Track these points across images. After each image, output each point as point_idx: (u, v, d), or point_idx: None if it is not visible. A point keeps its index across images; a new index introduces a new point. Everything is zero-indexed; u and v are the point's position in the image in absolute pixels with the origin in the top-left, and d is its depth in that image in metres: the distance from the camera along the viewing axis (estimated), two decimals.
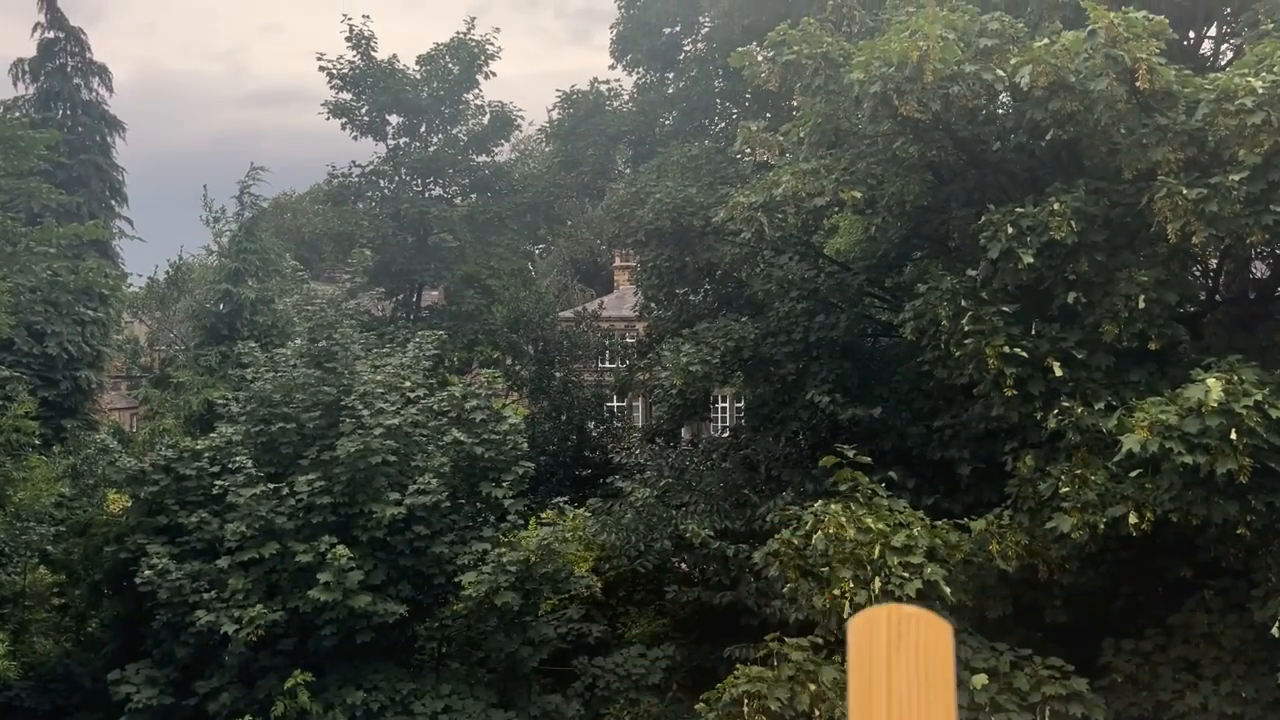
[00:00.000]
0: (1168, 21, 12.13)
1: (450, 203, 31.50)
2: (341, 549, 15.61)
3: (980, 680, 11.60)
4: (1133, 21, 11.82)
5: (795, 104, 16.93)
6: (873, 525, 11.71)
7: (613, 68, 29.99)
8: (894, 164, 14.56)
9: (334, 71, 30.10)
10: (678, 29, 28.63)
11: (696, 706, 12.94)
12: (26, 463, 18.35)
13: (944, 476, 16.03)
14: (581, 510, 17.99)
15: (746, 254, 19.29)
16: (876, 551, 11.40)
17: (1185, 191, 11.32)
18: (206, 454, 17.39)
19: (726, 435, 23.09)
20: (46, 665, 18.76)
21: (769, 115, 22.57)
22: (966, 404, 15.45)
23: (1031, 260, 12.42)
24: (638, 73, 29.71)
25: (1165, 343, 12.64)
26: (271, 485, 16.59)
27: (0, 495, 17.69)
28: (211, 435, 17.82)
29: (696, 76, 26.90)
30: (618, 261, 48.96)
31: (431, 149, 31.03)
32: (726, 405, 32.27)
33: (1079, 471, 11.97)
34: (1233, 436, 10.40)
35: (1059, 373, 12.46)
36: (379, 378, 17.91)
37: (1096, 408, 12.20)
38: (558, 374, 29.28)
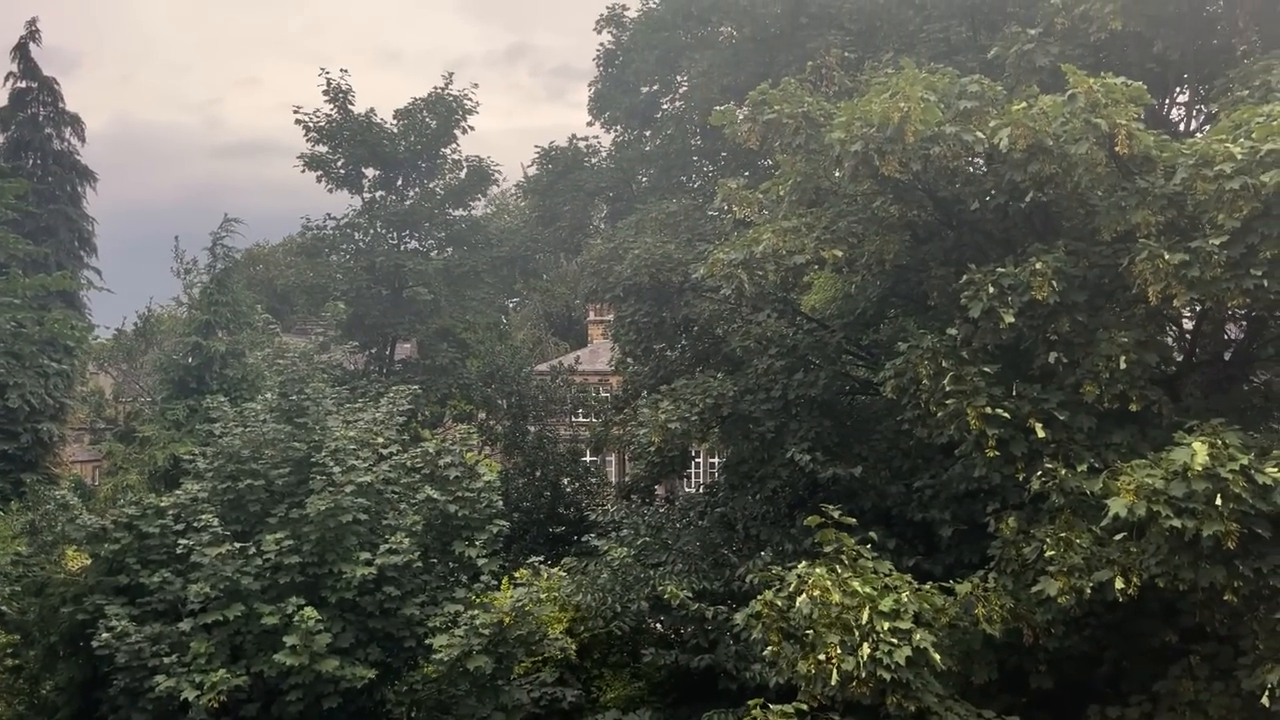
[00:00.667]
0: (1145, 87, 12.29)
1: (426, 256, 31.41)
2: (309, 610, 15.15)
3: None
4: (1111, 87, 11.96)
5: (773, 162, 17.01)
6: (859, 589, 11.49)
7: (590, 124, 30.27)
8: (874, 223, 14.59)
9: (311, 124, 30.11)
10: (656, 88, 28.97)
11: None
12: None
13: (924, 537, 15.87)
14: (556, 570, 17.67)
15: (725, 310, 19.28)
16: (865, 616, 11.17)
17: (1167, 255, 11.38)
18: (171, 511, 16.89)
19: (703, 493, 22.86)
20: None
21: (746, 173, 22.76)
22: (946, 463, 15.36)
23: (1013, 320, 12.41)
24: (616, 130, 29.95)
25: (1146, 404, 12.61)
26: (238, 544, 16.12)
27: None
28: (177, 492, 17.35)
29: (674, 134, 27.14)
30: (592, 316, 48.97)
31: (408, 202, 31.02)
32: (701, 461, 32.07)
33: (1063, 534, 11.84)
34: (1218, 501, 10.32)
35: (1041, 434, 12.38)
36: (351, 433, 17.58)
37: (1079, 469, 12.11)
38: (532, 428, 28.98)
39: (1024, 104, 12.38)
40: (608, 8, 30.57)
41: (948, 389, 12.60)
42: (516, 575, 18.05)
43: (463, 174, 31.75)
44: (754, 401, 17.22)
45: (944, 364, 12.81)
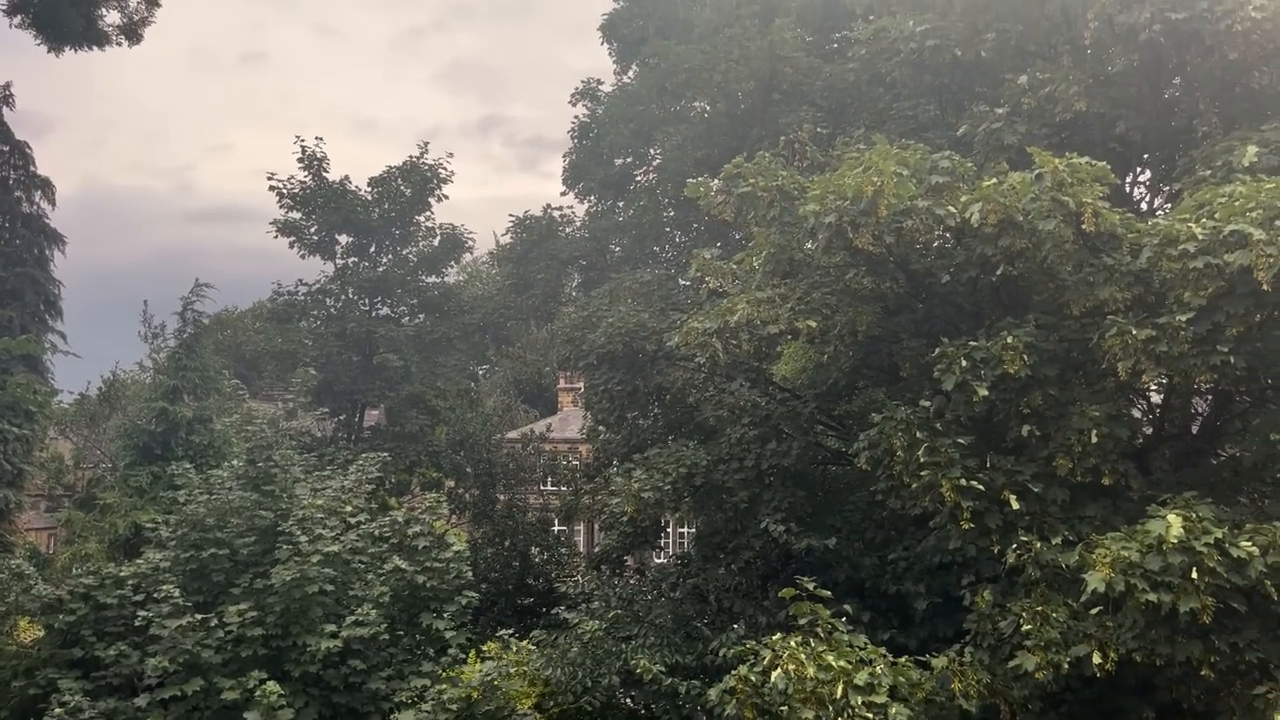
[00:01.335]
0: (1109, 167, 12.59)
1: (397, 322, 31.32)
2: (272, 685, 14.74)
3: None
4: (1077, 167, 12.24)
5: (744, 234, 17.21)
6: (834, 663, 11.34)
7: (564, 194, 30.53)
8: (846, 294, 14.73)
9: (285, 190, 30.15)
10: (629, 159, 29.32)
11: None
12: None
13: (898, 610, 15.73)
14: (525, 643, 17.32)
15: (697, 379, 19.29)
16: (839, 690, 11.00)
17: (1135, 331, 11.54)
18: (130, 581, 16.48)
19: (674, 564, 22.61)
20: None
21: (719, 244, 22.95)
22: (920, 535, 15.31)
23: (986, 393, 12.50)
24: (590, 200, 30.23)
25: (1117, 478, 12.69)
26: (199, 615, 15.72)
27: None
28: (138, 561, 16.95)
29: (647, 205, 27.40)
30: (562, 383, 48.90)
31: (381, 269, 31.00)
32: (671, 532, 31.79)
33: (1039, 608, 11.79)
34: (1194, 575, 10.34)
35: (1016, 505, 12.40)
36: (319, 501, 17.31)
37: (1054, 542, 12.11)
38: (501, 497, 28.65)
39: (995, 180, 12.63)
40: (583, 82, 31.15)
41: (922, 460, 12.61)
42: (485, 648, 17.68)
43: (436, 241, 31.85)
44: (727, 471, 17.13)
45: (918, 435, 12.84)
